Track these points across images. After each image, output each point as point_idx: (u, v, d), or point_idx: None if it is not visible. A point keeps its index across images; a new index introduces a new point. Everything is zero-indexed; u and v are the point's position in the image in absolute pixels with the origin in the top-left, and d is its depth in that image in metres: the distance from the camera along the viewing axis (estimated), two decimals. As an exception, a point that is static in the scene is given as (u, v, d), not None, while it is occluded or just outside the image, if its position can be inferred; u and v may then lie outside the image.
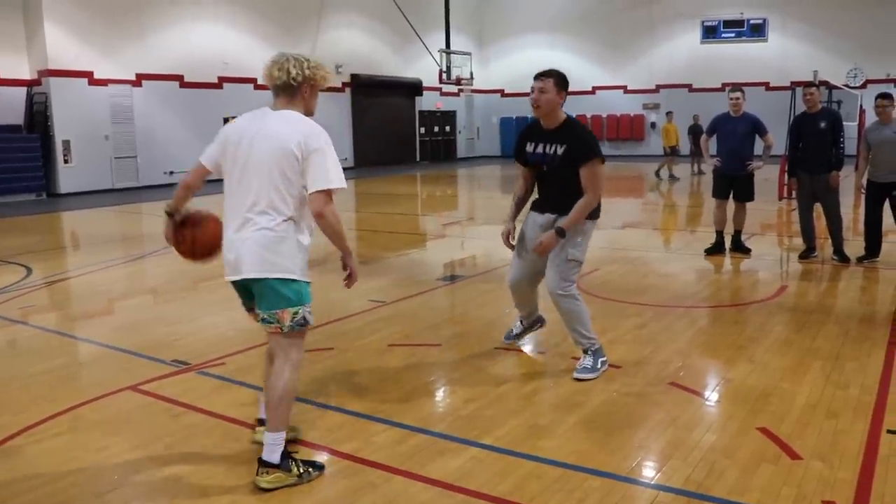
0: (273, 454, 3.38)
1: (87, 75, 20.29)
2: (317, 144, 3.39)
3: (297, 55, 3.60)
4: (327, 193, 3.34)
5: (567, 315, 4.83)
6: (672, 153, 21.58)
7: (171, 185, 21.57)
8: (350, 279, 3.61)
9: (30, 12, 19.62)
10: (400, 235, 11.59)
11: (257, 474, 3.37)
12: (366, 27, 28.40)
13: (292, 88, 3.54)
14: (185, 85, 22.50)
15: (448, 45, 29.51)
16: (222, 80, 23.58)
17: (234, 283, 3.51)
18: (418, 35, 28.13)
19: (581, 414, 4.18)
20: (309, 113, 3.60)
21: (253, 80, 24.39)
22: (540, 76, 4.70)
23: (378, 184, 21.68)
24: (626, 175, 23.76)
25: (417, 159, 32.03)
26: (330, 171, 3.36)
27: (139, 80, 21.42)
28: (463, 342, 5.64)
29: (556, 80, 4.65)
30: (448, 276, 8.48)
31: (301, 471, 3.42)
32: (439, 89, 31.27)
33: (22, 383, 4.97)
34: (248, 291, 3.51)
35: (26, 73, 19.85)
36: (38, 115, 19.70)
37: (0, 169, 18.46)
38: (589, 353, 4.84)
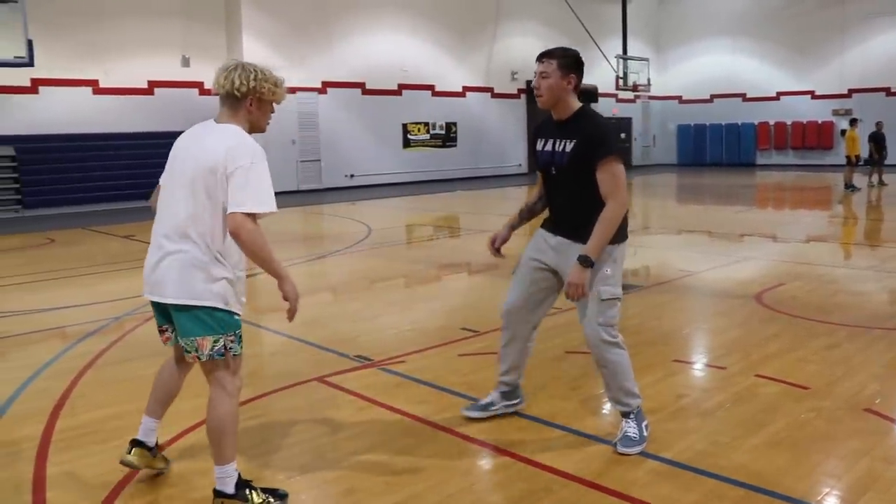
0: (226, 486, 3.18)
1: (279, 83, 21.54)
2: (241, 162, 3.04)
3: (249, 64, 3.27)
4: (246, 215, 3.03)
5: (611, 368, 3.87)
6: (854, 162, 20.07)
7: (351, 188, 22.70)
8: (289, 311, 3.25)
9: (231, 27, 21.12)
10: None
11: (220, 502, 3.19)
12: (541, 34, 28.44)
13: (236, 100, 3.22)
14: (366, 92, 23.42)
15: (625, 50, 29.08)
16: (402, 87, 24.37)
17: (153, 303, 3.29)
18: (594, 41, 27.87)
19: (765, 434, 4.00)
20: (256, 129, 3.32)
21: (431, 87, 25.07)
22: (542, 57, 3.86)
23: (550, 190, 21.64)
24: (811, 185, 22.46)
25: (590, 166, 31.67)
26: (249, 191, 3.03)
27: (325, 87, 22.53)
28: (639, 353, 5.52)
29: (561, 60, 3.79)
30: (623, 285, 8.35)
31: (260, 499, 3.20)
32: (615, 95, 30.83)
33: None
34: (166, 313, 3.28)
35: (225, 82, 21.34)
36: (234, 122, 21.16)
37: (200, 170, 19.95)
38: (631, 417, 3.89)
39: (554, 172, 3.85)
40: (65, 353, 5.80)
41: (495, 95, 27.46)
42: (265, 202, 3.07)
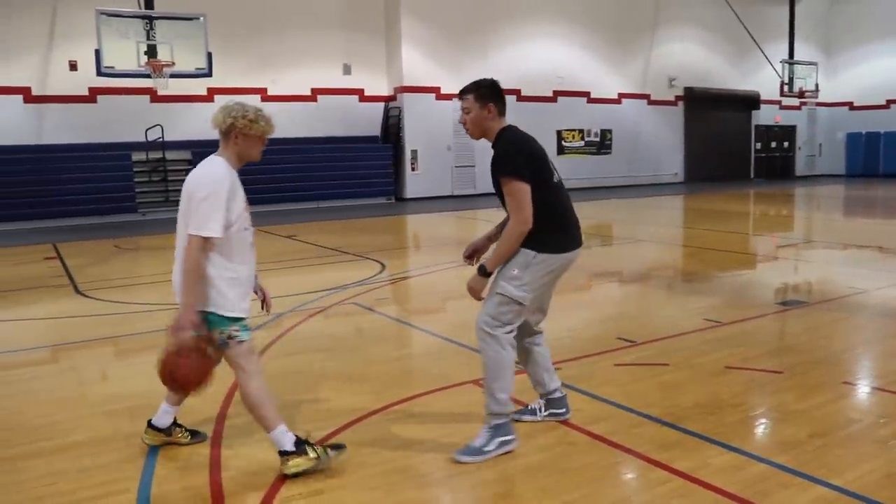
0: (284, 445, 3.62)
1: (435, 90, 22.03)
2: (200, 193, 3.51)
3: (238, 104, 3.67)
4: (198, 238, 3.47)
5: (484, 360, 3.93)
6: None
7: (490, 195, 22.78)
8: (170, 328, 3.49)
9: (391, 37, 21.78)
10: (732, 255, 11.10)
11: (281, 465, 3.62)
12: (701, 39, 27.60)
13: (224, 135, 3.66)
14: (521, 99, 23.48)
15: (791, 55, 27.71)
16: (556, 94, 24.31)
17: None
18: (759, 46, 26.75)
19: (952, 468, 3.72)
20: (247, 159, 3.73)
21: (586, 94, 24.86)
22: (460, 94, 4.03)
23: (709, 200, 20.94)
24: None
25: (751, 176, 30.46)
26: (201, 217, 3.47)
27: (480, 94, 22.76)
28: (808, 372, 5.27)
29: (476, 93, 3.95)
30: (786, 301, 7.97)
31: (318, 453, 3.63)
32: (778, 102, 29.49)
33: (383, 367, 5.58)
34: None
35: (385, 90, 22.07)
36: (392, 128, 21.84)
37: (358, 175, 20.77)
38: (487, 426, 3.88)
39: (495, 191, 4.00)
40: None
41: (652, 102, 26.89)
42: (210, 228, 3.48)
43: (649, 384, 4.98)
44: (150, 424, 4.09)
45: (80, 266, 11.17)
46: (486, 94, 3.95)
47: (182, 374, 3.48)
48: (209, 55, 15.87)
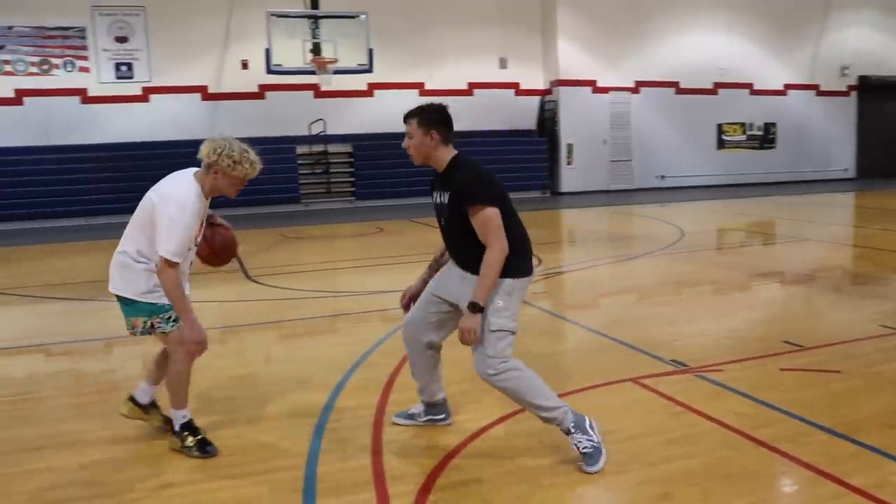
0: (175, 424, 4.04)
1: (591, 84, 21.76)
2: (163, 210, 3.75)
3: (225, 140, 3.83)
4: (164, 259, 3.71)
5: (512, 394, 3.76)
6: None
7: (662, 189, 22.28)
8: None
9: (547, 30, 21.69)
10: (912, 257, 10.34)
11: (173, 439, 4.04)
12: (879, 23, 25.67)
13: (206, 166, 3.86)
14: (680, 91, 22.84)
15: None
16: (717, 86, 23.41)
17: None
18: (948, 30, 24.70)
19: None
20: (217, 192, 3.92)
21: (749, 86, 23.83)
22: (405, 118, 3.87)
23: (883, 197, 19.56)
24: None
25: (935, 172, 28.18)
26: (164, 238, 3.71)
27: (637, 87, 22.33)
28: None
29: (420, 118, 3.80)
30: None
31: (192, 443, 3.97)
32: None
33: (541, 360, 5.54)
34: None
35: (540, 84, 22.02)
36: (547, 121, 21.78)
37: (514, 168, 20.82)
38: (572, 429, 3.71)
39: (443, 223, 3.95)
40: (393, 333, 6.35)
41: (821, 93, 25.31)
42: (173, 252, 3.72)
43: (819, 392, 4.74)
44: (131, 397, 4.34)
45: (250, 253, 11.82)
46: (430, 120, 3.83)
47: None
48: (370, 51, 16.38)
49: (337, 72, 16.30)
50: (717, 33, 23.26)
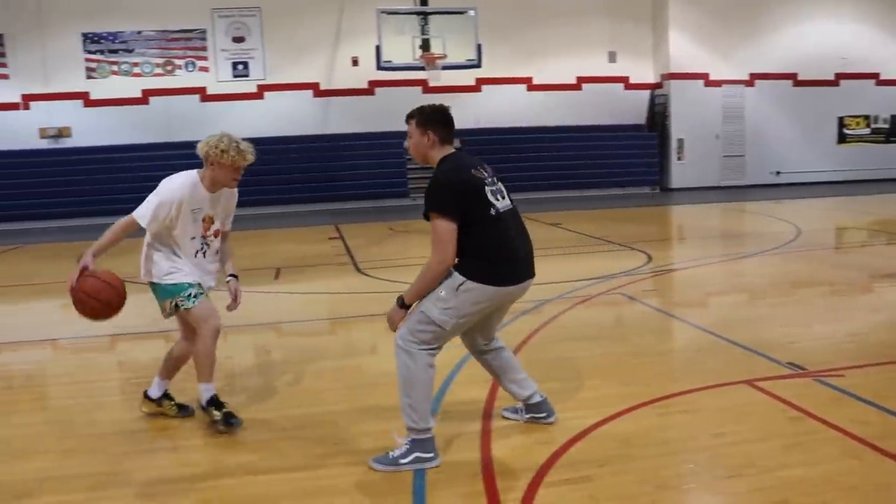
0: (202, 399, 4.34)
1: (704, 77, 21.19)
2: (154, 191, 4.27)
3: (218, 135, 4.23)
4: (130, 216, 4.26)
5: (399, 374, 3.77)
6: None
7: (777, 186, 21.46)
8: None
9: (657, 22, 21.23)
10: None
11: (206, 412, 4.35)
12: None
13: (203, 160, 4.26)
14: (798, 83, 21.97)
15: None
16: (839, 77, 22.33)
17: None
18: None
19: None
20: (218, 183, 4.30)
21: (874, 76, 22.65)
22: (406, 119, 3.91)
23: None
24: None
25: None
26: (143, 205, 4.25)
27: (752, 79, 21.58)
28: None
29: (417, 119, 3.82)
30: None
31: (219, 416, 4.28)
32: None
33: (651, 359, 5.52)
34: None
35: (651, 77, 21.58)
36: (658, 116, 21.32)
37: (622, 164, 20.55)
38: (406, 441, 3.76)
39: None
40: (504, 327, 6.33)
41: (960, 82, 23.72)
42: (142, 215, 4.24)
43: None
44: (145, 394, 4.61)
45: (360, 246, 12.09)
46: (427, 121, 3.83)
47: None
48: (479, 47, 16.42)
49: (445, 67, 16.41)
50: (841, 20, 22.11)
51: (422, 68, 16.53)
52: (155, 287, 4.36)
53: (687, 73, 20.99)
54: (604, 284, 8.24)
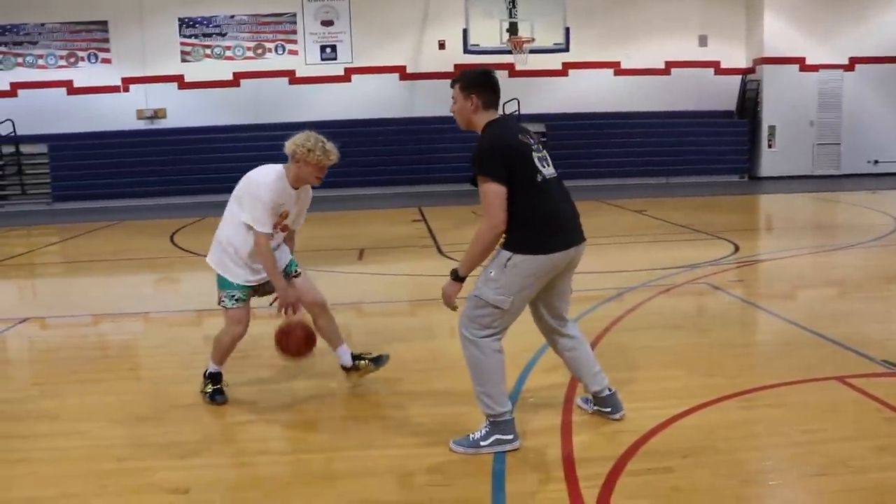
0: (206, 371, 4.65)
1: (799, 61, 20.42)
2: (249, 192, 4.33)
3: (309, 137, 4.31)
4: (253, 228, 4.30)
5: (468, 364, 3.79)
6: None
7: (875, 175, 20.56)
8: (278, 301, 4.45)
9: (752, 4, 20.55)
10: None
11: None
12: None
13: (290, 156, 4.35)
14: (905, 67, 20.91)
15: None
16: (948, 61, 21.15)
17: None
18: None
19: None
20: (304, 182, 4.43)
21: None
22: (451, 84, 3.90)
23: None
24: None
25: None
26: (249, 213, 4.31)
27: (852, 64, 20.67)
28: None
29: (461, 83, 3.80)
30: None
31: (207, 390, 4.59)
32: None
33: (736, 351, 5.41)
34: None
35: (742, 62, 20.95)
36: (749, 102, 20.70)
37: (710, 151, 20.04)
38: (488, 422, 3.77)
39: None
40: (586, 314, 6.33)
41: None
42: (260, 223, 4.29)
43: None
44: (345, 368, 4.81)
45: (442, 229, 12.16)
46: (471, 84, 3.80)
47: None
48: (566, 30, 16.25)
49: (533, 51, 16.32)
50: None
51: (509, 52, 16.46)
52: (217, 276, 4.61)
53: (781, 58, 20.24)
54: (689, 274, 8.08)
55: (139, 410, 4.52)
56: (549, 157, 3.85)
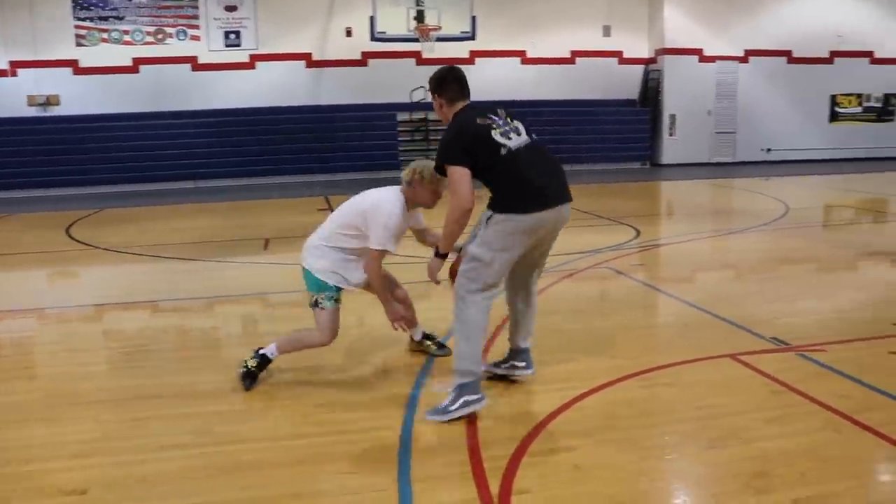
0: (261, 351, 4.62)
1: (698, 52, 21.10)
2: (375, 214, 4.37)
3: (423, 166, 4.41)
4: (374, 250, 4.36)
5: (456, 319, 4.05)
6: None
7: (767, 163, 21.48)
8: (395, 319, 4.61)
9: (654, -5, 21.10)
10: None
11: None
12: None
13: (407, 183, 4.49)
14: (792, 60, 21.89)
15: None
16: (833, 55, 22.26)
17: None
18: None
19: None
20: (419, 205, 4.58)
21: (869, 54, 22.58)
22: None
23: None
24: None
25: None
26: (378, 236, 4.33)
27: (746, 56, 21.51)
28: None
29: (431, 88, 4.22)
30: None
31: (246, 364, 4.58)
32: None
33: (637, 333, 5.57)
34: None
35: (645, 52, 21.51)
36: (651, 91, 21.26)
37: (613, 139, 20.54)
38: (453, 390, 3.99)
39: None
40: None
41: (954, 60, 23.61)
42: (383, 243, 4.35)
43: (931, 376, 4.56)
44: (412, 339, 5.14)
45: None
46: (435, 87, 4.19)
47: None
48: (473, 19, 16.34)
49: (440, 39, 16.35)
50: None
51: (416, 40, 16.45)
52: (307, 275, 4.60)
53: (681, 49, 20.90)
54: (592, 259, 8.28)
55: (34, 410, 4.35)
56: (521, 127, 4.14)
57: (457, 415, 3.94)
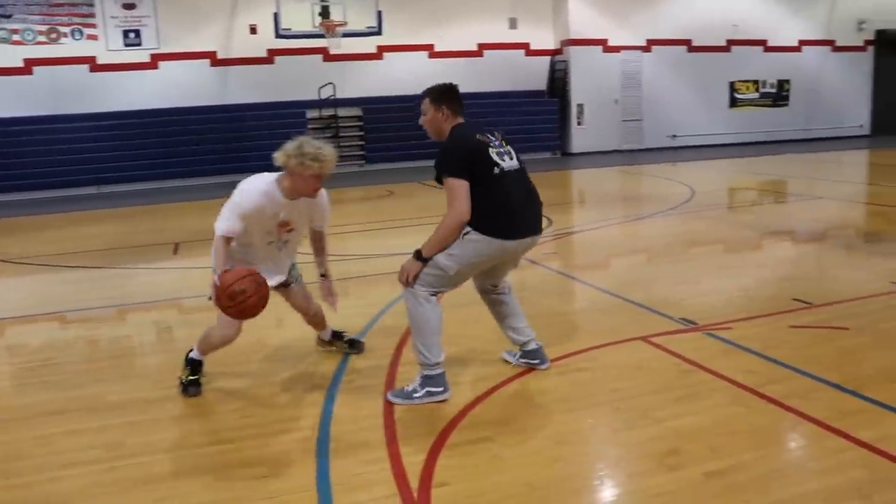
0: (188, 355, 4.56)
1: (602, 43, 21.57)
2: (232, 196, 4.26)
3: (301, 145, 4.17)
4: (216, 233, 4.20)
5: (409, 318, 4.18)
6: None
7: (673, 149, 22.13)
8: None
9: (557, -12, 21.43)
10: (926, 213, 10.29)
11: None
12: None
13: (283, 168, 4.26)
14: (692, 49, 22.61)
15: None
16: (730, 44, 23.12)
17: None
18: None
19: None
20: (299, 193, 4.31)
21: (762, 42, 23.49)
22: (420, 98, 4.30)
23: (898, 154, 19.37)
24: None
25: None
26: (220, 216, 4.24)
27: (649, 45, 22.11)
28: None
29: (430, 96, 4.22)
30: None
31: (182, 378, 4.45)
32: None
33: (552, 320, 5.64)
34: None
35: (551, 44, 21.85)
36: (558, 82, 21.64)
37: (523, 130, 20.75)
38: (419, 377, 4.16)
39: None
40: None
41: (837, 49, 24.87)
42: (221, 228, 4.21)
43: (827, 348, 4.77)
44: (322, 340, 5.05)
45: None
46: (441, 97, 4.20)
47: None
48: (379, 14, 16.28)
49: (346, 35, 16.25)
50: (731, -12, 22.87)
51: (322, 36, 16.28)
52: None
53: (586, 40, 21.33)
54: (506, 249, 8.35)
55: (-72, 431, 4.14)
56: (513, 152, 4.23)
57: (419, 402, 4.08)
